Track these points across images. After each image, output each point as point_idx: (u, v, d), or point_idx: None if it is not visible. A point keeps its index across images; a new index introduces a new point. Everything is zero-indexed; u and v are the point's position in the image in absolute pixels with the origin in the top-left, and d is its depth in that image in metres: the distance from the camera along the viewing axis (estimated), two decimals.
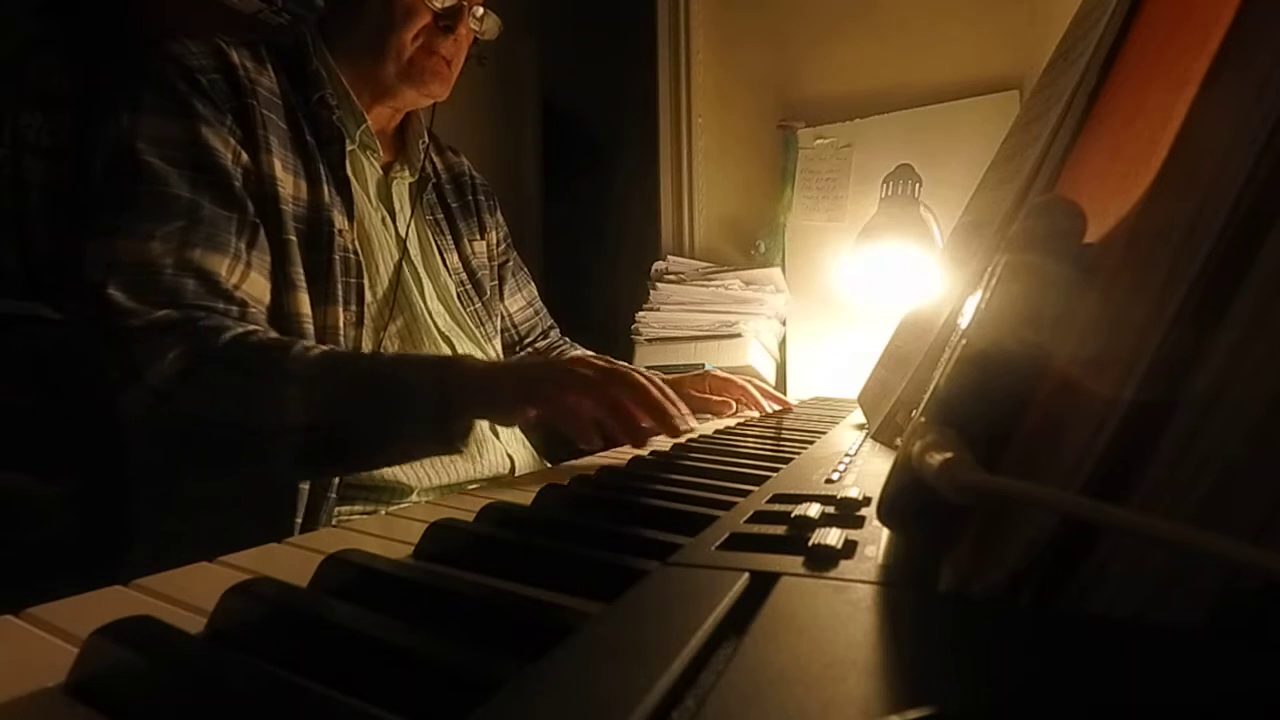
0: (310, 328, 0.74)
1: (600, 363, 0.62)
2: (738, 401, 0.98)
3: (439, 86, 0.86)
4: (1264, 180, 0.17)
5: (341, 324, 0.76)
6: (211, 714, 0.17)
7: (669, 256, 1.59)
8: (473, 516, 0.35)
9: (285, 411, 0.62)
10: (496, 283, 1.07)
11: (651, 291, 1.49)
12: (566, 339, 1.17)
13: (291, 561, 0.30)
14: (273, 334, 0.69)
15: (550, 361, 0.63)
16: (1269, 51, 0.17)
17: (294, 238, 0.74)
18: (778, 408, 1.02)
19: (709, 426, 0.80)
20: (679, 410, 0.58)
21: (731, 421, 0.90)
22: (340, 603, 0.23)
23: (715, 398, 0.96)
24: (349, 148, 0.82)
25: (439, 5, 0.81)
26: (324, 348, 0.67)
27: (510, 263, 1.11)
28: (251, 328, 0.67)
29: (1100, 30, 0.40)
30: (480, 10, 0.85)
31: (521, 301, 1.12)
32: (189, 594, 0.25)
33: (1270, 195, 0.16)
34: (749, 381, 1.01)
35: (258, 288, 0.71)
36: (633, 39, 1.96)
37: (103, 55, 1.09)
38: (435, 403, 0.59)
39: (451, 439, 0.61)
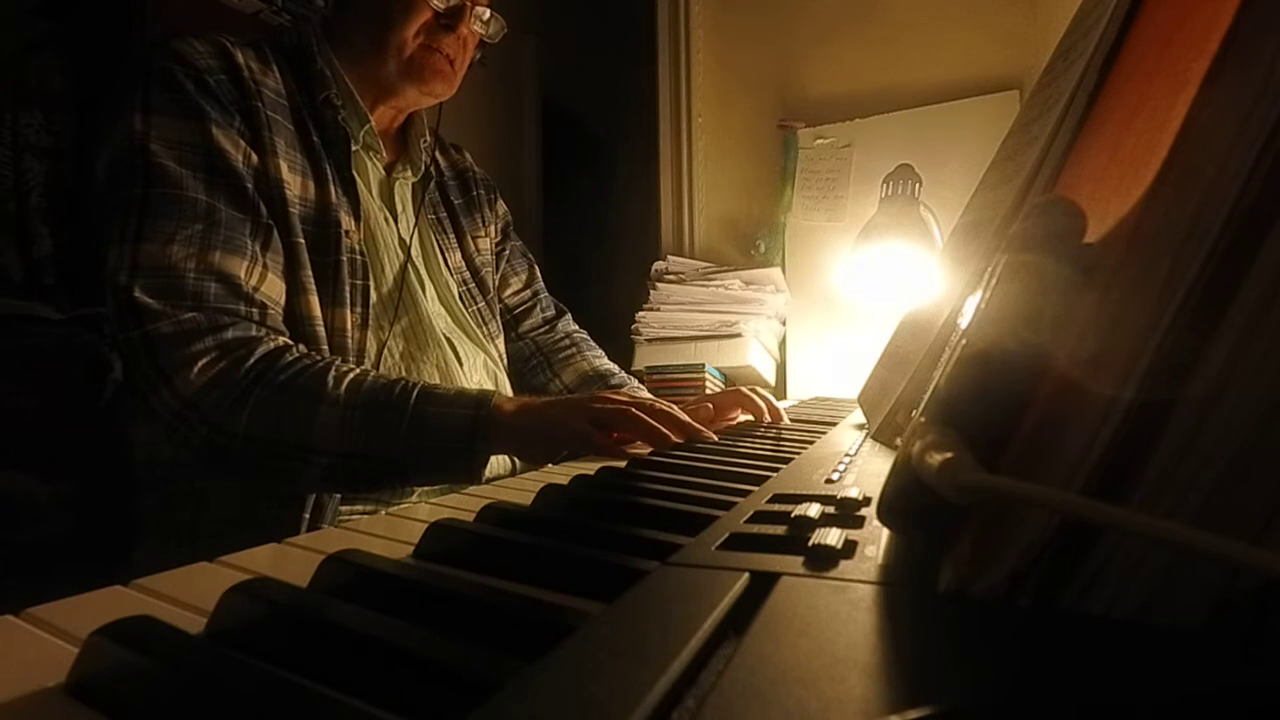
0: (321, 331, 0.74)
1: (623, 398, 0.66)
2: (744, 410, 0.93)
3: (442, 85, 0.85)
4: (1264, 180, 0.17)
5: (349, 326, 0.76)
6: (211, 714, 0.17)
7: (669, 256, 1.59)
8: (473, 516, 0.35)
9: (318, 437, 0.64)
10: (499, 277, 1.06)
11: (651, 291, 1.49)
12: (573, 333, 1.13)
13: (292, 561, 0.30)
14: (302, 349, 0.70)
15: (577, 403, 0.68)
16: (1269, 51, 0.17)
17: (302, 240, 0.74)
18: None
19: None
20: (706, 429, 0.66)
21: (731, 422, 0.90)
22: (340, 603, 0.23)
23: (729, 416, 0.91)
24: (353, 148, 0.82)
25: (440, 4, 0.81)
26: (358, 370, 0.68)
27: (507, 251, 1.10)
28: (283, 342, 0.68)
29: (1100, 30, 0.40)
30: (486, 13, 0.85)
31: (517, 284, 1.11)
32: (189, 594, 0.25)
33: (1270, 195, 0.16)
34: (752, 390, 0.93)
35: (275, 289, 0.71)
36: (633, 39, 1.97)
37: (103, 55, 1.08)
38: (467, 441, 0.63)
39: (474, 471, 0.64)
